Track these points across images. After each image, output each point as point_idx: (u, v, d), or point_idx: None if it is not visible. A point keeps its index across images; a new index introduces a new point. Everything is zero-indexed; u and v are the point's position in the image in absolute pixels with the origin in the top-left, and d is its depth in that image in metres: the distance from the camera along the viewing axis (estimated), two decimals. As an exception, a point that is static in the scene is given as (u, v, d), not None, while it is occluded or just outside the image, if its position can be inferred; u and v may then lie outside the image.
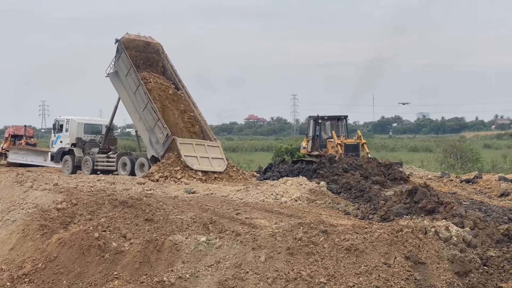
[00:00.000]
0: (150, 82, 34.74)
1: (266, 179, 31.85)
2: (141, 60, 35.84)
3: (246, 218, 19.76)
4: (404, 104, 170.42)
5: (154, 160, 32.36)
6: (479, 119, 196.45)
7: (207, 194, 25.82)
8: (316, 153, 34.28)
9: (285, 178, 28.39)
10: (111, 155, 35.16)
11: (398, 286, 13.36)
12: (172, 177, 30.18)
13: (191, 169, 31.17)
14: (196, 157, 31.88)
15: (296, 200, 24.06)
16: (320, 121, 34.73)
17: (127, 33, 35.59)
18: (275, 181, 28.23)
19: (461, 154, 48.80)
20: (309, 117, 36.08)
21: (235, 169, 33.87)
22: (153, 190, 26.93)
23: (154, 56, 36.49)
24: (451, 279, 13.84)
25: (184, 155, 31.39)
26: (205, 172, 31.50)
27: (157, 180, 29.72)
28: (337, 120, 35.20)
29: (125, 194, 23.39)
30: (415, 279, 13.58)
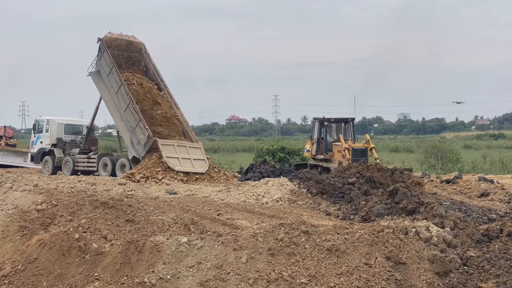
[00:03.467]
0: (134, 83, 34.62)
1: (247, 180, 31.88)
2: (124, 59, 35.76)
3: (227, 218, 19.76)
4: (458, 103, 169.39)
5: (135, 160, 32.30)
6: (459, 120, 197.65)
7: (188, 195, 25.79)
8: (321, 156, 32.56)
9: (267, 178, 28.42)
10: (92, 156, 35.04)
11: (379, 286, 13.39)
12: (153, 178, 30.13)
13: (173, 170, 31.12)
14: (178, 158, 31.86)
15: (277, 201, 24.08)
16: (326, 123, 32.90)
17: (109, 32, 35.52)
18: (257, 181, 28.26)
19: (442, 154, 49.03)
20: (314, 118, 34.18)
21: (216, 170, 33.87)
22: (134, 191, 26.85)
23: (136, 55, 36.43)
24: (432, 279, 13.90)
25: (166, 156, 31.36)
26: (186, 173, 31.45)
27: (138, 181, 29.67)
28: (344, 122, 33.29)
29: (106, 195, 23.30)
30: (396, 279, 13.62)
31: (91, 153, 35.78)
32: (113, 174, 33.20)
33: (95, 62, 34.91)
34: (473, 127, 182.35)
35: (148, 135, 31.74)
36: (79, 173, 34.94)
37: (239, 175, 35.08)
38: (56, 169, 36.44)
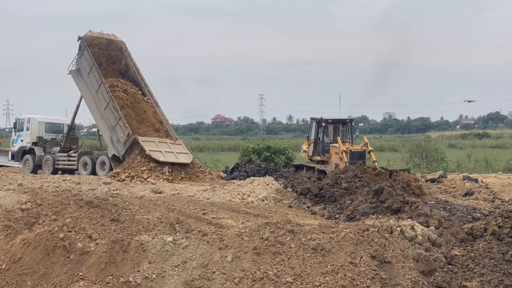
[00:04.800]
0: (119, 90, 34.65)
1: (233, 179, 31.85)
2: (104, 58, 35.88)
3: (212, 218, 19.76)
4: (470, 101, 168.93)
5: (115, 159, 32.38)
6: (444, 119, 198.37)
7: (173, 194, 25.77)
8: (318, 158, 31.59)
9: (252, 178, 28.43)
10: (72, 154, 35.04)
11: (364, 285, 13.43)
12: (139, 177, 30.09)
13: (158, 161, 31.23)
14: (161, 151, 32.05)
15: (262, 200, 24.11)
16: (323, 124, 31.74)
17: (90, 30, 35.56)
18: (242, 181, 28.26)
19: (427, 153, 49.17)
20: (312, 119, 32.95)
21: (202, 169, 33.85)
22: (120, 190, 26.80)
23: (117, 54, 36.50)
24: (416, 278, 13.95)
25: (149, 150, 31.53)
26: (171, 167, 31.43)
27: (124, 180, 29.62)
28: (342, 124, 32.25)
29: (91, 194, 23.24)
30: (381, 278, 13.66)
31: (71, 151, 35.72)
32: (93, 172, 33.24)
33: (76, 61, 34.99)
34: (458, 126, 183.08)
35: (128, 133, 31.85)
36: (60, 171, 34.90)
37: (225, 174, 35.07)
38: (37, 167, 36.37)
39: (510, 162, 45.80)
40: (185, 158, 33.07)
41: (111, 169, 32.49)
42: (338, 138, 30.77)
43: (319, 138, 31.72)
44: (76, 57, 34.89)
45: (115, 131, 32.52)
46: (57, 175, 32.82)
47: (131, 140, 31.77)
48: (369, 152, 30.11)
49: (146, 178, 30.00)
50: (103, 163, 33.19)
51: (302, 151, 33.63)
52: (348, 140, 31.22)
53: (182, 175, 31.75)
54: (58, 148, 36.31)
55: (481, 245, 15.77)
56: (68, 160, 34.93)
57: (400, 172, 27.00)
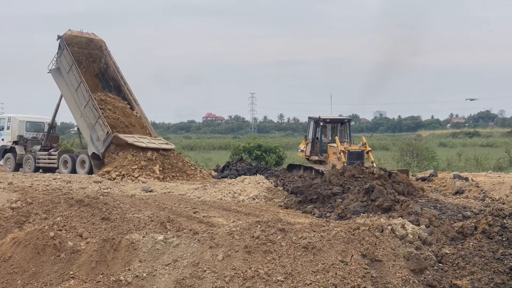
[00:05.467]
0: (109, 108, 34.86)
1: (224, 178, 31.85)
2: (84, 57, 36.17)
3: (203, 216, 19.75)
4: (472, 100, 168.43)
5: (95, 157, 32.63)
6: (434, 118, 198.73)
7: (164, 193, 25.76)
8: (315, 158, 31.21)
9: (243, 176, 28.42)
10: (52, 153, 35.17)
11: (355, 284, 13.45)
12: (130, 175, 30.10)
13: (141, 147, 31.85)
14: (143, 142, 32.49)
15: (253, 199, 24.11)
16: (321, 124, 31.22)
17: (69, 29, 35.78)
18: (233, 179, 28.26)
19: (417, 152, 49.25)
20: (309, 118, 32.53)
21: (193, 168, 33.88)
22: (110, 188, 26.79)
23: (97, 52, 36.74)
24: (407, 276, 13.98)
25: (131, 140, 31.97)
26: (162, 170, 31.47)
27: (114, 179, 29.62)
28: (340, 123, 31.80)
29: (82, 193, 23.22)
30: (372, 277, 13.69)
31: (52, 150, 35.79)
32: (73, 171, 33.41)
33: (55, 60, 35.12)
34: (448, 125, 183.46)
35: (107, 132, 32.09)
36: (41, 170, 34.96)
37: (216, 173, 35.08)
38: (18, 166, 36.49)
39: (500, 160, 45.99)
40: (167, 146, 33.85)
41: (91, 167, 32.87)
42: (336, 138, 30.37)
43: (317, 138, 31.32)
44: (56, 56, 35.12)
45: (95, 129, 32.85)
46: (47, 174, 32.78)
47: (110, 138, 32.10)
48: (367, 153, 29.80)
49: (137, 176, 30.01)
50: (83, 162, 33.45)
51: (299, 150, 33.23)
52: (346, 140, 30.77)
53: (173, 174, 31.78)
54: (39, 147, 36.40)
55: (471, 243, 15.82)
56: (49, 159, 35.10)
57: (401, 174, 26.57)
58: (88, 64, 36.36)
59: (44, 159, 35.30)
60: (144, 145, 32.05)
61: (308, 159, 31.86)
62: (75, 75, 34.02)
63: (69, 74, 34.31)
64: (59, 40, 35.06)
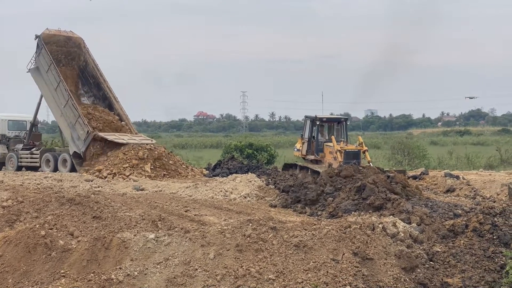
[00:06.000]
0: (100, 124, 34.97)
1: (215, 176, 31.82)
2: (63, 55, 36.25)
3: (195, 215, 19.73)
4: (471, 98, 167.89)
5: (76, 156, 32.74)
6: (426, 116, 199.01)
7: (156, 191, 25.72)
8: (311, 157, 30.64)
9: (234, 175, 28.37)
10: (35, 152, 35.17)
11: (346, 282, 13.47)
12: (121, 174, 30.05)
13: (122, 143, 32.06)
14: (123, 139, 32.65)
15: (245, 197, 24.10)
16: (317, 123, 30.71)
17: (47, 28, 35.87)
18: (224, 178, 28.23)
19: (408, 150, 49.29)
20: (306, 117, 32.07)
21: (184, 166, 33.84)
22: (101, 187, 26.73)
23: (75, 50, 36.82)
24: (398, 275, 14.02)
25: (112, 138, 32.14)
26: (154, 169, 31.44)
27: (106, 177, 29.57)
28: (337, 123, 31.27)
29: (73, 191, 23.15)
30: (363, 275, 13.72)
31: (34, 148, 35.77)
32: (55, 169, 33.44)
33: (34, 59, 35.14)
34: (440, 123, 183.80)
35: (88, 131, 32.17)
36: (24, 168, 34.92)
37: (207, 172, 35.04)
38: (1, 165, 36.42)
39: (491, 159, 46.12)
40: (148, 141, 34.15)
41: (72, 165, 32.91)
42: (333, 137, 29.91)
43: (313, 137, 30.86)
44: (35, 56, 35.15)
45: (75, 128, 32.97)
46: (38, 172, 32.72)
47: (91, 137, 32.18)
48: (364, 152, 29.39)
49: (128, 175, 29.97)
50: (64, 160, 33.51)
51: (295, 149, 32.55)
52: (342, 139, 30.34)
53: (165, 172, 31.75)
54: (21, 145, 36.36)
55: (462, 241, 15.87)
56: (31, 158, 35.10)
57: (399, 174, 26.38)
58: (67, 62, 36.52)
59: (27, 157, 35.33)
60: (125, 142, 32.22)
61: (304, 159, 31.56)
62: (54, 75, 34.13)
63: (48, 74, 34.41)
64: (37, 39, 35.15)
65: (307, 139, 31.06)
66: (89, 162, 32.08)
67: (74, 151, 32.85)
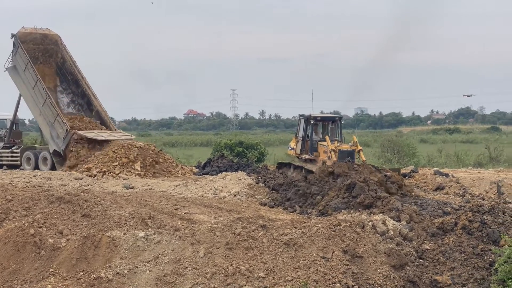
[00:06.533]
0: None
1: (205, 174, 31.79)
2: (40, 52, 36.33)
3: (185, 213, 19.73)
4: (469, 96, 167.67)
5: (56, 154, 32.82)
6: (415, 114, 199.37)
7: (145, 189, 25.70)
8: (305, 156, 30.39)
9: (224, 173, 28.36)
10: (15, 150, 35.12)
11: (336, 280, 13.49)
12: (111, 172, 30.00)
13: (101, 140, 32.23)
14: (103, 136, 32.82)
15: (235, 195, 24.12)
16: (312, 121, 30.51)
17: (23, 27, 35.93)
18: (214, 176, 28.23)
19: (398, 148, 49.36)
20: (300, 115, 32.06)
21: (174, 164, 33.80)
22: (91, 185, 26.68)
23: (52, 47, 36.84)
24: (388, 272, 14.05)
25: (91, 136, 32.24)
26: (143, 167, 31.40)
27: (95, 176, 29.51)
28: (332, 122, 31.09)
29: (62, 189, 23.10)
30: (353, 273, 13.74)
31: (15, 147, 35.69)
32: (36, 167, 33.43)
33: (11, 58, 35.12)
34: (429, 121, 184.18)
35: (67, 129, 32.21)
36: (5, 167, 34.84)
37: (197, 170, 35.01)
38: None
39: (480, 157, 46.28)
40: (128, 136, 34.43)
41: (53, 164, 32.96)
42: (327, 136, 29.70)
43: (307, 136, 30.65)
44: (12, 55, 35.12)
45: (54, 127, 33.03)
46: (27, 171, 32.63)
47: (70, 136, 32.20)
48: (358, 152, 29.18)
49: (118, 173, 29.92)
50: (45, 159, 33.51)
51: (290, 148, 32.45)
52: (337, 138, 30.13)
53: (154, 171, 31.71)
54: (1, 144, 36.28)
55: (451, 239, 15.92)
56: (12, 156, 35.06)
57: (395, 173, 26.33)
58: (45, 59, 36.56)
59: (7, 156, 35.31)
60: (104, 138, 32.30)
61: (298, 157, 31.41)
62: (31, 73, 34.15)
63: (26, 73, 34.44)
64: (13, 38, 35.15)
65: (301, 138, 30.84)
66: (73, 160, 32.08)
67: (54, 149, 32.90)
